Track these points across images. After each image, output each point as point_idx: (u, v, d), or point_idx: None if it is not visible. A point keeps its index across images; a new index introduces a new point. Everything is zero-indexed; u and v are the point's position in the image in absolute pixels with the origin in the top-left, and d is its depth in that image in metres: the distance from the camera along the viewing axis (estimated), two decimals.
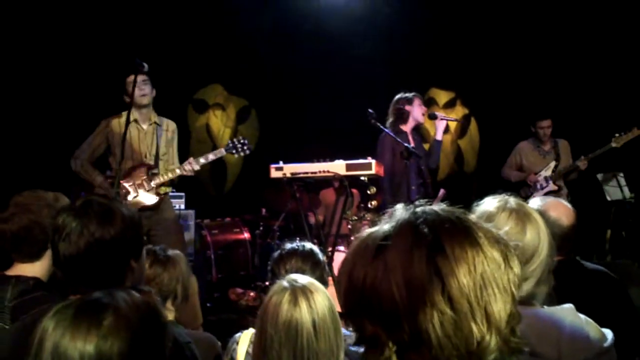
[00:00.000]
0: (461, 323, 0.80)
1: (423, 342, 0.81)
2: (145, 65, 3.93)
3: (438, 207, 0.91)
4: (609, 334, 1.48)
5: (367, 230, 0.93)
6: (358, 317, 0.88)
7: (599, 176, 6.26)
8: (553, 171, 5.93)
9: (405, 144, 4.52)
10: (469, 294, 0.80)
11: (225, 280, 6.21)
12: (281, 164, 4.19)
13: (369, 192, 4.11)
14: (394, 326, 0.82)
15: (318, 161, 4.02)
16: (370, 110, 4.33)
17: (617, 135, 5.63)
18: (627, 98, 6.70)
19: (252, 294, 5.86)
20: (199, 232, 6.29)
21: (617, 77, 6.87)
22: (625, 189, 6.18)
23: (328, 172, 4.00)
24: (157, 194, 4.34)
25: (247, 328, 2.11)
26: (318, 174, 4.05)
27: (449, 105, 8.25)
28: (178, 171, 4.37)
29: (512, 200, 1.58)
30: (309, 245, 2.26)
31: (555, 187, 5.88)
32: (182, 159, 4.59)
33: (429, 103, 8.16)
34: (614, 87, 6.88)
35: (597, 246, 6.18)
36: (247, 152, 4.55)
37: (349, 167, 4.06)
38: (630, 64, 6.75)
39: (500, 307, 0.82)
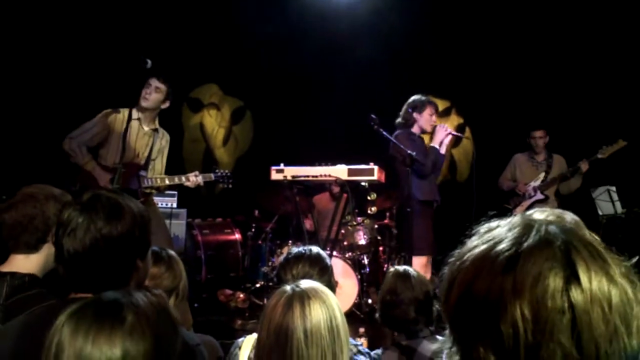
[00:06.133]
0: None
1: None
2: (149, 61, 3.86)
3: (562, 221, 0.80)
4: None
5: (486, 237, 0.81)
6: (466, 331, 0.79)
7: (592, 190, 6.30)
8: (543, 181, 5.99)
9: (409, 152, 4.29)
10: (598, 338, 0.71)
11: (215, 281, 6.14)
12: (282, 166, 4.10)
13: (369, 197, 4.04)
14: (509, 353, 0.73)
15: (320, 165, 3.94)
16: (372, 116, 4.19)
17: (604, 147, 5.73)
18: (617, 110, 6.75)
19: (241, 295, 5.80)
20: (189, 231, 6.22)
21: (610, 89, 6.91)
22: (618, 204, 6.20)
23: (330, 176, 3.93)
24: (141, 193, 4.28)
25: (235, 330, 2.06)
26: (319, 178, 3.97)
27: (444, 114, 8.25)
28: (184, 179, 4.35)
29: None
30: (315, 249, 2.18)
31: (542, 197, 5.96)
32: (172, 161, 4.63)
33: None
34: (606, 99, 6.92)
35: None
36: (229, 186, 4.62)
37: (351, 172, 3.98)
38: (623, 77, 6.79)
39: (629, 352, 0.72)
